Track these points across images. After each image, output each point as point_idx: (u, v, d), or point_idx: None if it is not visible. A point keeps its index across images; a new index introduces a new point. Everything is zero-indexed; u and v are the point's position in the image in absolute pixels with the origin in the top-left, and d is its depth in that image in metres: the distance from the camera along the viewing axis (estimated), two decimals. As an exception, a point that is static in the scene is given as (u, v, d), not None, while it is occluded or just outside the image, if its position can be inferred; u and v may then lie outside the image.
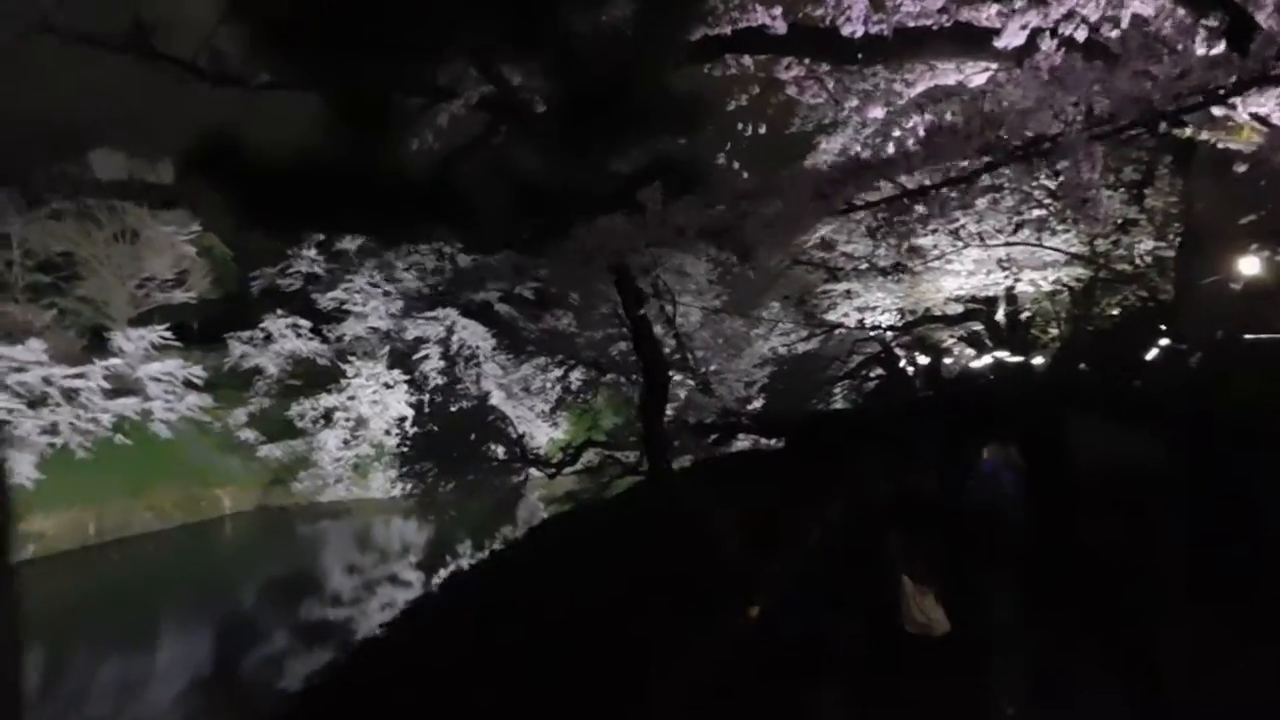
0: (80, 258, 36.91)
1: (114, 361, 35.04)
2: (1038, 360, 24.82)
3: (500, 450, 22.82)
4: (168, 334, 37.15)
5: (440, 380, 34.45)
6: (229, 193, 7.87)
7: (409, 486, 23.97)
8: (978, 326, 27.14)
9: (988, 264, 22.22)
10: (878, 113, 9.84)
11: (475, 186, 7.73)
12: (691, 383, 22.74)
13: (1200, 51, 5.15)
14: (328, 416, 38.26)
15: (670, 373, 22.06)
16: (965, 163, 5.14)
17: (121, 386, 35.21)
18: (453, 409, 25.73)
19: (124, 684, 23.76)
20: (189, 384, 36.86)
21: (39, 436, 31.68)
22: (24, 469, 30.52)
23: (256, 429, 39.04)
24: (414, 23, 6.98)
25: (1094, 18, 6.03)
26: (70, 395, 33.27)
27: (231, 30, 9.14)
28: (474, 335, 35.79)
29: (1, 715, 6.50)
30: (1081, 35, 6.01)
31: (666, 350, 22.17)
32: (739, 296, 24.74)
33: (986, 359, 26.54)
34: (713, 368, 23.26)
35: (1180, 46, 5.21)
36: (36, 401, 32.17)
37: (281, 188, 7.67)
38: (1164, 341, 15.22)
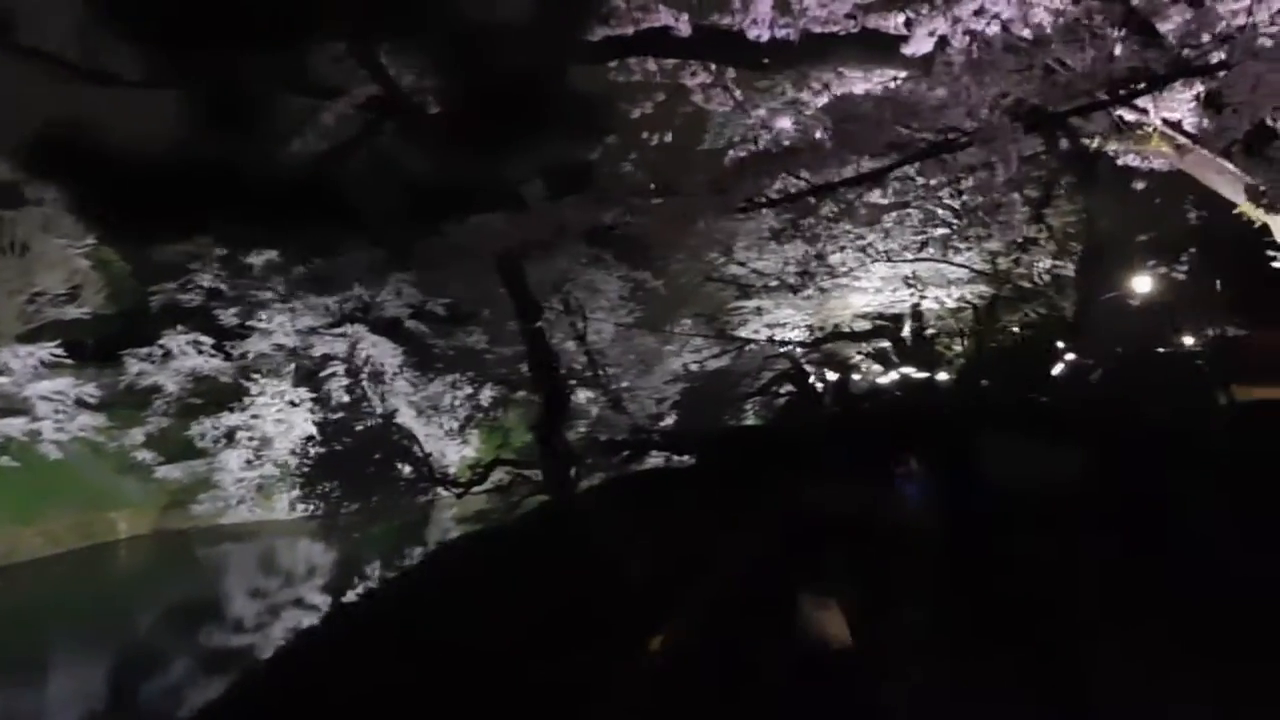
0: (-36, 271, 34.87)
1: (0, 380, 33.12)
2: (943, 376, 25.08)
3: (407, 469, 22.08)
4: (59, 351, 35.22)
5: (346, 398, 33.34)
6: (80, 190, 7.17)
7: (311, 508, 23.04)
8: (885, 343, 27.36)
9: (894, 281, 22.39)
10: (785, 123, 9.54)
11: (359, 187, 7.18)
12: (603, 399, 22.35)
13: (1116, 50, 4.93)
14: (230, 436, 36.70)
15: (581, 389, 21.68)
16: (874, 161, 4.79)
17: (8, 406, 33.38)
18: (359, 428, 24.84)
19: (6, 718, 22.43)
20: (81, 403, 34.99)
21: None
22: (-102, 493, 28.61)
23: (154, 449, 37.27)
24: (292, 14, 6.41)
25: (1006, 14, 5.79)
26: None
27: (102, 23, 8.42)
28: (382, 352, 34.79)
29: None
30: (994, 30, 5.75)
31: (577, 367, 21.78)
32: (651, 313, 24.54)
33: (894, 375, 26.75)
34: (624, 384, 22.90)
35: (1093, 42, 4.97)
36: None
37: (147, 187, 7.00)
38: (1068, 356, 15.34)
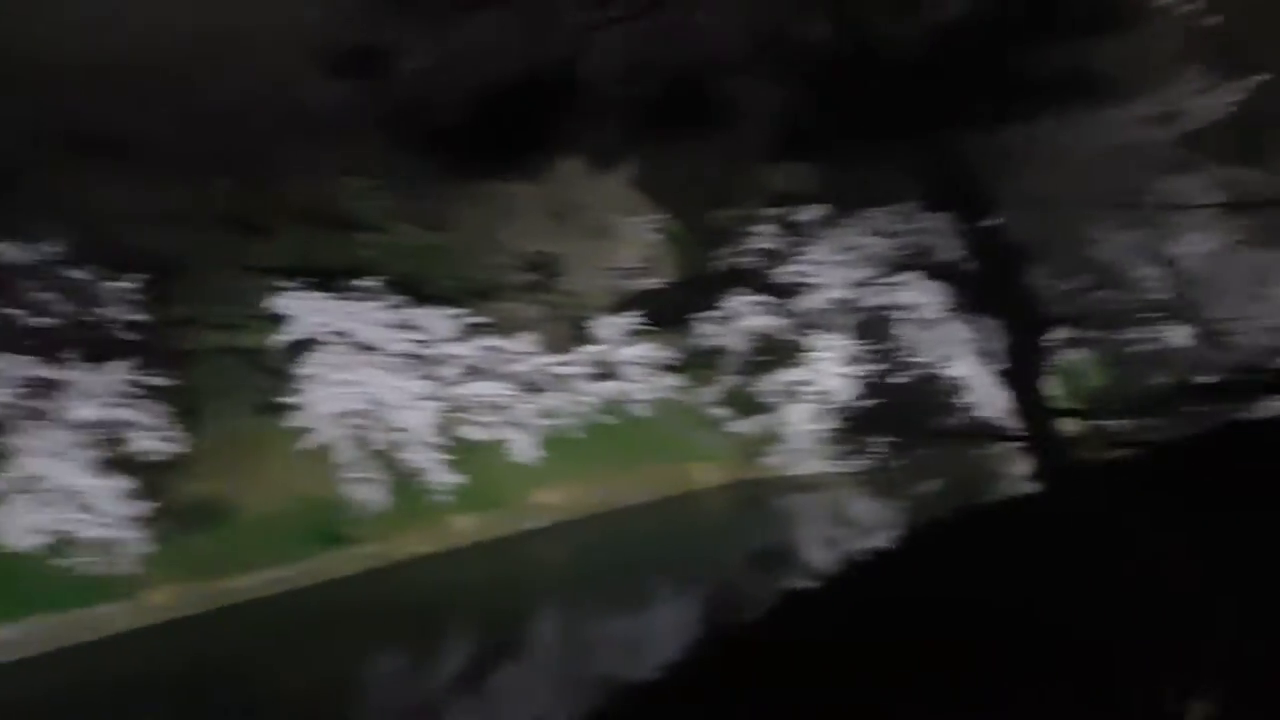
0: (559, 255, 40.02)
1: (595, 349, 37.87)
2: None
3: (962, 421, 20.39)
4: (641, 319, 39.14)
5: (899, 348, 32.21)
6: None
7: (856, 462, 22.37)
8: None
9: None
10: None
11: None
12: (1198, 334, 18.42)
13: None
14: (792, 391, 37.84)
15: (1170, 323, 18.12)
16: None
17: (604, 371, 37.98)
18: (911, 379, 23.57)
19: (629, 636, 26.54)
20: (662, 365, 38.63)
21: (538, 419, 34.94)
22: (528, 448, 34.44)
23: (726, 406, 39.69)
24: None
25: None
26: (562, 381, 36.40)
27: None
28: (935, 298, 32.96)
29: None
30: None
31: (1164, 297, 18.24)
32: (1263, 222, 19.71)
33: None
34: (1225, 314, 18.64)
35: None
36: (534, 388, 35.38)
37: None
38: None
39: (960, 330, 30.39)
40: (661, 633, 27.77)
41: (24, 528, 22.15)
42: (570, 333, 38.56)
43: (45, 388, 23.14)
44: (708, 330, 40.20)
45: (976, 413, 20.48)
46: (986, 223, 25.37)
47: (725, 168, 36.61)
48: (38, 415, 23.01)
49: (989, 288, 26.15)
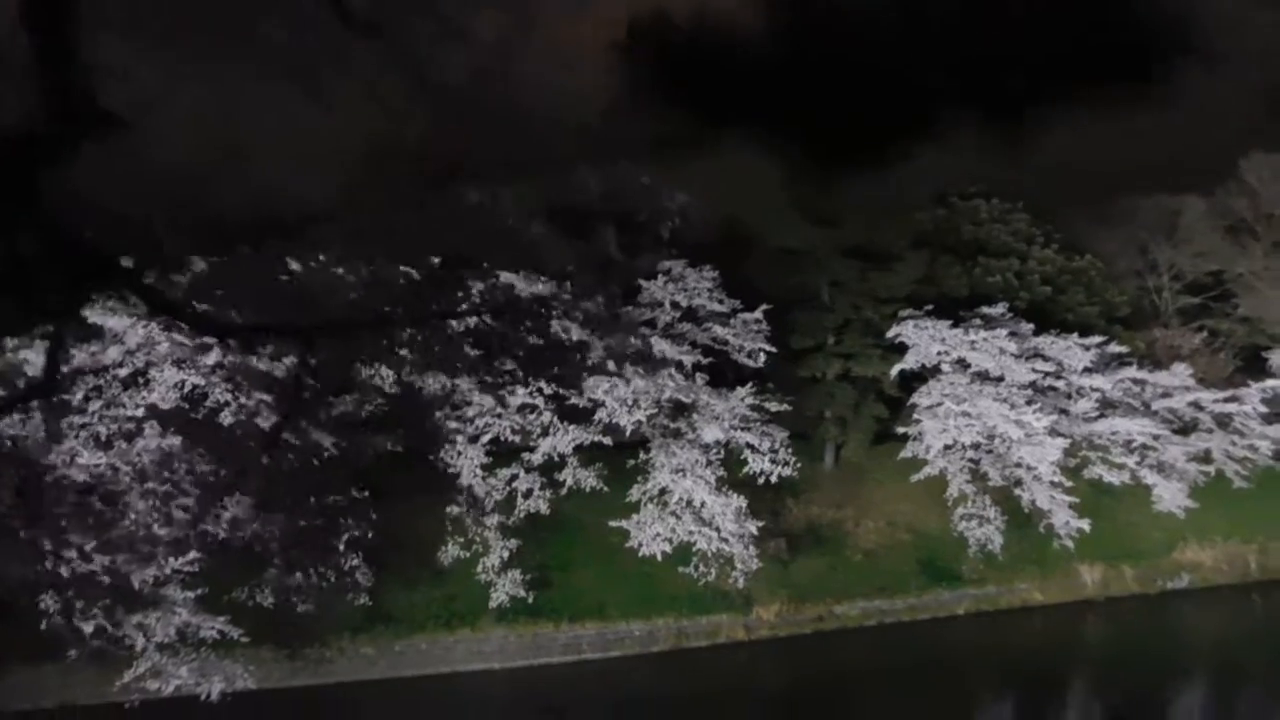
0: (1232, 275, 34.31)
1: (1272, 383, 32.52)
2: None
3: None
4: (1343, 350, 32.53)
5: None
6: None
7: None
8: None
9: None
10: None
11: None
12: None
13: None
14: None
15: None
16: None
17: (1280, 411, 32.95)
18: None
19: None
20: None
21: (1188, 464, 31.05)
22: (1174, 497, 30.36)
23: None
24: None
25: None
26: (1222, 421, 32.27)
27: None
28: None
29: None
30: None
31: None
32: None
33: None
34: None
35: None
36: (1185, 428, 31.33)
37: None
38: None
39: None
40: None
41: (652, 535, 25.38)
42: (1239, 365, 33.08)
43: (680, 409, 26.23)
44: None
45: None
46: None
47: None
48: (673, 434, 26.21)
49: None
